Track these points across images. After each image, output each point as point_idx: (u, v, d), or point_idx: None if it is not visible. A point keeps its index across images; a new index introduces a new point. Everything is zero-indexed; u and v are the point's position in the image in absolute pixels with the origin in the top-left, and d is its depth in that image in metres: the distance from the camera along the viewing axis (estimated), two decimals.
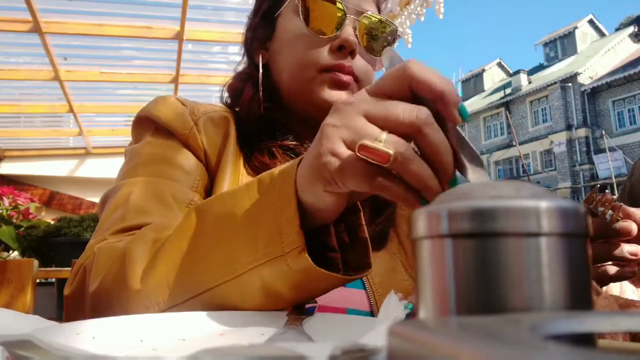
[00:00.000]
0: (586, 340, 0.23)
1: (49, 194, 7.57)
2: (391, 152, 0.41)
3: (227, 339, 0.45)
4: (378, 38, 0.81)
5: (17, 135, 6.96)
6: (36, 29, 3.99)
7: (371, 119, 0.43)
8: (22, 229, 2.26)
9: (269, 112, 0.81)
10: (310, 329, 0.46)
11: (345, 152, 0.43)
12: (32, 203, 2.53)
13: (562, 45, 30.64)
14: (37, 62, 4.78)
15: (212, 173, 0.77)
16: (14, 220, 2.32)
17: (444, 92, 0.41)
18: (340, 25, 0.77)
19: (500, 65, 35.29)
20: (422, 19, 3.38)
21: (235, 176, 0.76)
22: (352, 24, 0.78)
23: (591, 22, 30.79)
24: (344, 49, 0.76)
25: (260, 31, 0.85)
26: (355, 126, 0.43)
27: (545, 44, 31.77)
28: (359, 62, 0.79)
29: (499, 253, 0.24)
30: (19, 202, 2.40)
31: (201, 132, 0.77)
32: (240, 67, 0.91)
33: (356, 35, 0.78)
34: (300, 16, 0.77)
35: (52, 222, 2.50)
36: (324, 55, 0.76)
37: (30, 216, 2.41)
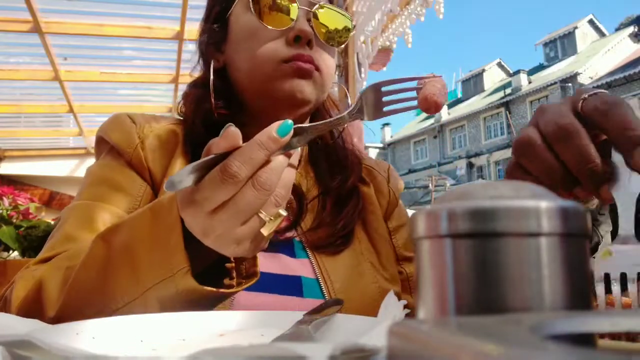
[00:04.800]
0: (586, 340, 0.23)
1: (49, 194, 7.57)
2: (284, 213, 0.51)
3: (227, 339, 0.45)
4: (333, 28, 0.80)
5: (17, 135, 6.96)
6: (36, 29, 3.99)
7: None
8: (22, 229, 2.26)
9: (225, 119, 0.75)
10: (312, 329, 0.46)
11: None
12: (32, 203, 2.52)
13: (562, 45, 30.65)
14: (37, 62, 4.78)
15: (157, 190, 0.76)
16: (14, 220, 2.31)
17: None
18: (293, 17, 0.75)
19: (500, 65, 35.30)
20: (422, 19, 3.38)
21: None
22: (306, 16, 0.77)
23: (591, 22, 30.80)
24: (300, 40, 0.75)
25: (214, 34, 0.83)
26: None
27: (545, 44, 31.77)
28: (317, 53, 0.77)
29: (499, 253, 0.24)
30: (19, 202, 2.40)
31: (146, 150, 0.77)
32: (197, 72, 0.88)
33: (311, 27, 0.77)
34: (252, 11, 0.75)
35: (52, 222, 2.50)
36: (281, 47, 0.75)
37: (30, 216, 2.41)
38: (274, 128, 0.48)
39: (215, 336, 0.46)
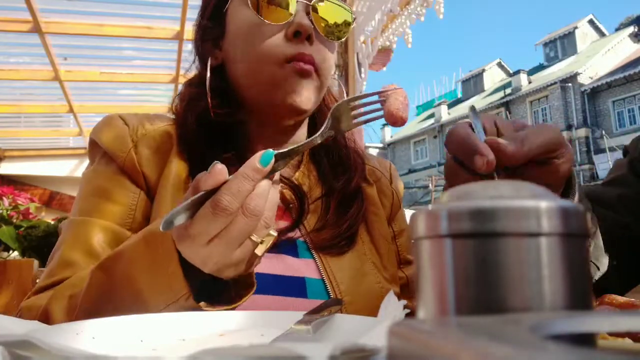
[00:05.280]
0: (586, 340, 0.23)
1: (49, 194, 7.57)
2: (274, 234, 0.55)
3: (227, 339, 0.45)
4: (333, 22, 0.79)
5: (17, 135, 6.96)
6: (36, 29, 3.99)
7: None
8: (22, 229, 2.26)
9: (222, 118, 0.77)
10: (312, 329, 0.46)
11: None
12: (32, 203, 2.52)
13: (562, 45, 30.64)
14: (37, 62, 4.78)
15: (153, 193, 0.76)
16: (14, 220, 2.31)
17: None
18: (292, 11, 0.74)
19: (500, 65, 35.29)
20: (422, 19, 3.38)
21: (179, 194, 0.73)
22: (305, 9, 0.76)
23: (591, 22, 30.79)
24: (300, 35, 0.74)
25: (211, 31, 0.81)
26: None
27: (545, 44, 31.77)
28: (317, 48, 0.77)
29: (499, 253, 0.24)
30: (19, 202, 2.40)
31: (140, 154, 0.75)
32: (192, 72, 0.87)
33: (311, 20, 0.76)
34: (250, 6, 0.74)
35: (52, 222, 2.49)
36: (281, 44, 0.74)
37: (30, 216, 2.41)
38: (256, 159, 0.52)
39: (215, 336, 0.46)
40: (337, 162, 0.86)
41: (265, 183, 0.52)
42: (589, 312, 0.23)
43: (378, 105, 0.64)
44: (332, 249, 0.78)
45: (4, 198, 2.35)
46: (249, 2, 0.74)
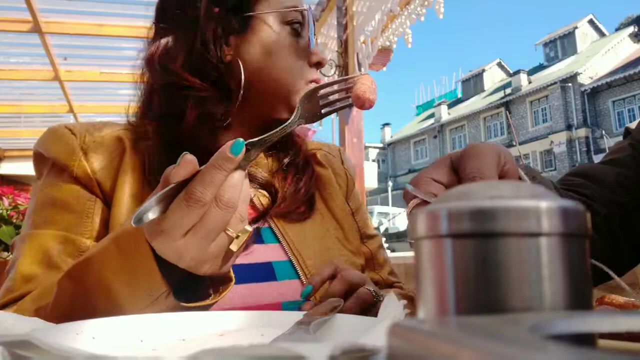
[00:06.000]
0: (586, 340, 0.23)
1: None
2: (250, 229, 0.54)
3: (227, 339, 0.45)
4: None
5: (17, 135, 6.95)
6: (36, 29, 3.98)
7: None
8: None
9: (225, 121, 0.77)
10: (312, 328, 0.46)
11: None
12: None
13: (562, 45, 30.65)
14: (37, 62, 4.77)
15: (109, 200, 0.74)
16: (14, 220, 2.31)
17: None
18: (312, 40, 0.80)
19: (500, 65, 35.29)
20: (422, 19, 3.37)
21: (136, 202, 0.72)
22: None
23: (591, 22, 30.80)
24: (319, 66, 0.82)
25: (228, 24, 0.78)
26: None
27: (545, 44, 31.77)
28: None
29: (499, 253, 0.24)
30: (19, 202, 2.40)
31: (91, 161, 0.73)
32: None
33: None
34: (285, 25, 0.79)
35: None
36: (305, 68, 0.80)
37: None
38: (227, 148, 0.50)
39: (215, 336, 0.46)
40: (286, 139, 0.89)
41: (239, 174, 0.51)
42: (589, 312, 0.23)
43: (346, 93, 0.65)
44: (293, 215, 0.81)
45: (4, 198, 2.35)
46: (283, 20, 0.79)
